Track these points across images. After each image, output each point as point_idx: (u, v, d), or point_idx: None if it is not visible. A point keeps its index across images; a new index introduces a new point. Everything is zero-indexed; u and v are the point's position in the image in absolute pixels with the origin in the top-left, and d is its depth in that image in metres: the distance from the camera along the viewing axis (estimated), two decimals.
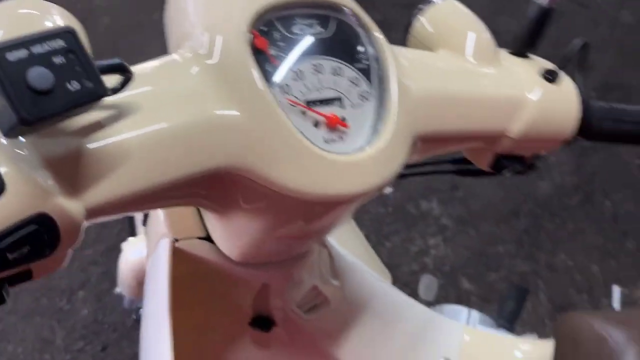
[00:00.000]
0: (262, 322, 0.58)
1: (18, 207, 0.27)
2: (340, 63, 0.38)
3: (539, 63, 0.48)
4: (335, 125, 0.37)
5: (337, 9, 0.40)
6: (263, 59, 0.36)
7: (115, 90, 0.31)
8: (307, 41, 0.38)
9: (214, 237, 0.49)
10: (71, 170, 0.30)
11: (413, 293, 0.73)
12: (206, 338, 0.58)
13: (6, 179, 0.27)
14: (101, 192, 0.31)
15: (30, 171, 0.28)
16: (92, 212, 0.31)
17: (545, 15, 0.46)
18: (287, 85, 0.36)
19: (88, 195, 0.30)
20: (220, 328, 0.59)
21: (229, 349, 0.60)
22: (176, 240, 0.49)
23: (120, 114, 0.32)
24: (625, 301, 1.51)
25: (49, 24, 0.31)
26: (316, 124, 0.37)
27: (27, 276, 0.30)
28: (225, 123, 0.34)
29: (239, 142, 0.34)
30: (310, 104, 0.37)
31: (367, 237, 1.16)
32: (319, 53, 0.38)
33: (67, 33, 0.28)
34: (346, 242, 0.73)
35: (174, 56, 0.36)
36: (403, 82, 0.40)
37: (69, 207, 0.29)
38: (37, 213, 0.28)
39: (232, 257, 0.48)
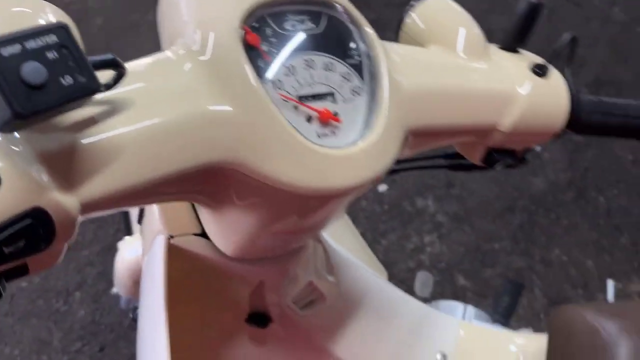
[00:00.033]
0: (259, 319, 0.58)
1: (13, 202, 0.28)
2: (332, 58, 0.39)
3: (529, 58, 0.49)
4: (327, 120, 0.37)
5: (329, 5, 0.40)
6: (255, 55, 0.36)
7: (108, 86, 0.31)
8: (298, 37, 0.38)
9: (209, 233, 0.49)
10: (65, 165, 0.30)
11: (409, 290, 0.74)
12: (203, 335, 0.59)
13: (1, 174, 0.28)
14: (95, 186, 0.31)
15: (25, 166, 0.29)
16: (86, 207, 0.31)
17: (534, 11, 0.47)
18: (279, 80, 0.37)
19: (82, 190, 0.31)
20: (216, 325, 0.59)
21: (225, 346, 0.60)
22: (171, 237, 0.50)
23: (113, 109, 0.32)
24: (620, 295, 1.53)
25: (42, 22, 0.31)
26: (309, 119, 0.37)
27: (23, 271, 0.30)
28: (218, 118, 0.35)
29: (232, 136, 0.35)
30: (303, 99, 0.37)
31: (363, 234, 1.16)
32: (310, 49, 0.38)
33: (60, 29, 0.28)
34: (342, 239, 0.74)
35: (167, 53, 0.37)
36: (394, 77, 0.40)
37: (63, 201, 0.30)
38: (32, 207, 0.28)
39: (227, 252, 0.48)
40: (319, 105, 0.37)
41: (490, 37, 0.50)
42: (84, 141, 0.31)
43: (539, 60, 0.48)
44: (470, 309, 0.83)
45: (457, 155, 0.55)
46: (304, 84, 0.37)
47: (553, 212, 1.74)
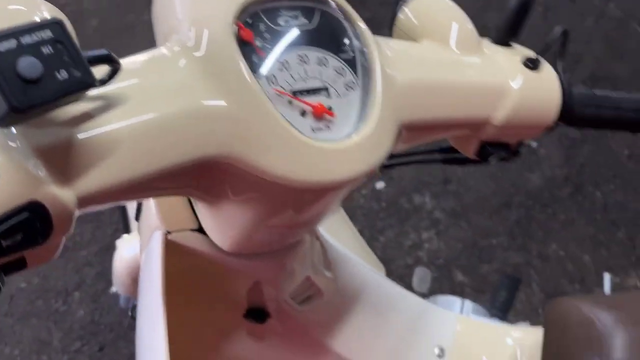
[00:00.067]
0: (257, 314, 0.59)
1: (10, 195, 0.28)
2: (326, 53, 0.39)
3: (521, 51, 0.49)
4: (321, 115, 0.38)
5: (322, 0, 0.40)
6: (249, 51, 0.37)
7: (103, 81, 0.32)
8: (292, 32, 0.39)
9: (205, 228, 0.49)
10: (62, 160, 0.31)
11: (407, 286, 0.74)
12: (201, 330, 0.59)
13: None
14: (92, 180, 0.31)
15: (21, 160, 0.29)
16: (83, 201, 0.32)
17: (526, 5, 0.47)
18: (273, 75, 0.37)
19: (79, 184, 0.31)
20: (215, 320, 0.60)
21: (224, 341, 0.61)
22: (168, 232, 0.50)
23: (109, 105, 0.32)
24: (617, 289, 1.53)
25: (37, 19, 0.32)
26: (303, 113, 0.37)
27: (21, 264, 0.31)
28: (213, 113, 0.35)
29: (227, 131, 0.35)
30: (297, 93, 0.37)
31: (361, 232, 1.17)
32: (304, 44, 0.39)
33: (55, 24, 0.29)
34: (340, 236, 0.74)
35: (162, 49, 0.37)
36: (387, 72, 0.40)
37: (60, 195, 0.30)
38: (29, 201, 0.28)
39: (224, 248, 0.49)
40: (313, 99, 0.38)
41: (486, 34, 0.50)
42: (80, 136, 0.31)
43: (531, 54, 0.48)
44: (468, 304, 0.84)
45: (451, 150, 0.55)
46: (297, 79, 0.38)
47: (550, 207, 1.75)
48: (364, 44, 0.40)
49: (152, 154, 0.33)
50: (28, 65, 0.27)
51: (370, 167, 0.38)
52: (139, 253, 0.68)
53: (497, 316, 0.89)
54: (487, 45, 0.49)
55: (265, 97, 0.36)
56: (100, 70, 0.31)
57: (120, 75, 0.33)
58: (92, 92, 0.32)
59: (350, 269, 0.66)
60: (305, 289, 0.60)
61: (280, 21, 0.39)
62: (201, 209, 0.48)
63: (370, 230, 1.64)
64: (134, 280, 0.73)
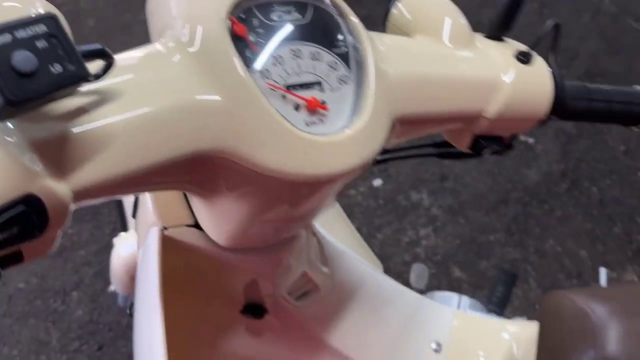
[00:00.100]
0: (254, 310, 0.59)
1: (6, 189, 0.28)
2: (319, 48, 0.39)
3: (513, 45, 0.49)
4: (315, 109, 0.38)
5: None
6: (243, 46, 0.37)
7: (98, 76, 0.32)
8: (285, 27, 0.39)
9: (201, 223, 0.50)
10: (57, 153, 0.31)
11: (405, 283, 0.74)
12: (199, 327, 0.59)
13: None
14: (87, 174, 0.32)
15: (17, 154, 0.29)
16: (79, 195, 0.32)
17: (518, 0, 0.48)
18: (267, 70, 0.37)
19: (74, 178, 0.31)
20: (212, 316, 0.60)
21: (221, 337, 0.61)
22: (165, 228, 0.50)
23: (104, 99, 0.33)
24: (613, 283, 1.54)
25: (32, 15, 0.32)
26: (297, 108, 0.38)
27: (18, 258, 0.31)
28: (207, 107, 0.35)
29: (221, 125, 0.35)
30: (290, 88, 0.38)
31: (359, 229, 1.17)
32: (297, 39, 0.39)
33: (49, 19, 0.29)
34: (337, 233, 0.74)
35: (156, 45, 0.37)
36: (380, 66, 0.41)
37: (56, 188, 0.30)
38: (25, 194, 0.29)
39: (220, 242, 0.49)
40: (307, 94, 0.38)
41: (481, 30, 0.50)
42: (75, 130, 0.31)
43: (523, 47, 0.49)
44: (465, 300, 0.84)
45: (445, 144, 0.55)
46: (291, 74, 0.38)
47: (547, 203, 1.76)
48: (357, 39, 0.41)
49: (147, 148, 0.33)
50: (23, 59, 0.27)
51: (363, 160, 0.39)
52: (136, 251, 0.68)
53: (494, 311, 0.89)
54: (480, 40, 0.49)
55: (259, 92, 0.36)
56: (95, 66, 0.31)
57: (115, 71, 0.33)
58: (87, 86, 0.32)
59: (347, 265, 0.66)
60: (302, 284, 0.60)
61: (274, 16, 0.39)
62: (197, 204, 0.48)
63: (367, 227, 1.65)
64: (132, 278, 0.73)
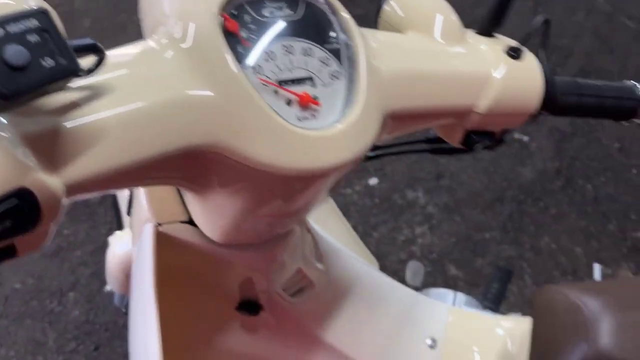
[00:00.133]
0: (249, 306, 0.59)
1: None
2: (310, 44, 0.40)
3: (504, 41, 0.50)
4: (307, 104, 0.38)
5: None
6: (235, 42, 0.37)
7: (90, 71, 0.32)
8: (277, 23, 0.39)
9: (195, 219, 0.50)
10: (49, 148, 0.31)
11: (401, 281, 0.74)
12: (194, 323, 0.59)
13: None
14: (79, 168, 0.32)
15: (10, 147, 0.29)
16: (71, 189, 0.32)
17: None
18: (259, 65, 0.38)
19: (67, 172, 0.32)
20: (207, 313, 0.60)
21: (216, 334, 0.61)
22: (159, 224, 0.50)
23: (96, 94, 0.33)
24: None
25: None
26: (289, 103, 0.38)
27: (11, 252, 0.31)
28: (199, 102, 0.35)
29: (214, 120, 0.36)
30: (282, 83, 0.38)
31: (355, 228, 1.17)
32: (289, 35, 0.39)
33: (40, 13, 0.29)
34: (333, 231, 0.74)
35: (149, 41, 0.38)
36: (372, 62, 0.41)
37: (49, 182, 0.30)
38: (17, 188, 0.29)
39: (214, 238, 0.49)
40: (299, 89, 0.38)
41: (475, 28, 0.51)
42: (68, 124, 0.32)
43: (513, 43, 0.49)
44: (461, 296, 0.84)
45: (437, 140, 0.56)
46: (283, 69, 0.38)
47: (542, 201, 1.76)
48: (349, 35, 0.41)
49: (139, 143, 0.34)
50: (15, 53, 0.28)
51: (355, 154, 0.39)
52: (131, 249, 0.68)
53: (489, 308, 0.89)
54: (471, 36, 0.49)
55: (251, 87, 0.36)
56: (87, 62, 0.32)
57: (108, 66, 0.33)
58: (80, 82, 0.33)
59: (342, 262, 0.67)
60: (296, 280, 0.60)
61: (265, 12, 0.39)
62: (190, 199, 0.48)
63: (363, 226, 1.65)
64: (128, 276, 0.73)
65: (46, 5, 0.31)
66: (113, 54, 0.35)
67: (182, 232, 0.50)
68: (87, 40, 0.31)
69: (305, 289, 0.61)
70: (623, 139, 1.95)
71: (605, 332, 0.51)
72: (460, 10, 0.50)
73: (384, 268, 0.90)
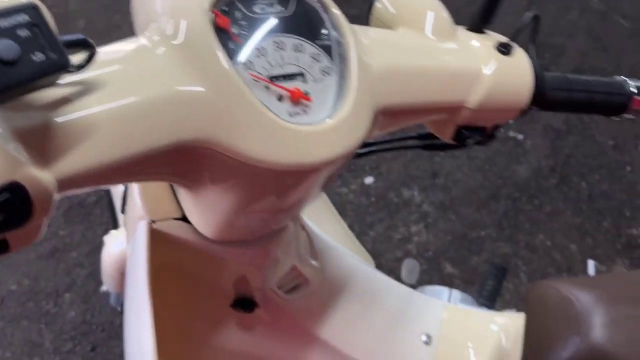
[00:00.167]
0: (244, 304, 0.59)
1: None
2: (301, 40, 0.40)
3: (494, 37, 0.50)
4: (298, 99, 0.38)
5: None
6: (226, 38, 0.38)
7: (81, 66, 0.32)
8: (268, 20, 0.40)
9: (188, 215, 0.50)
10: (41, 142, 0.31)
11: (397, 279, 0.75)
12: (189, 321, 0.59)
13: None
14: (70, 163, 0.32)
15: (1, 142, 0.30)
16: (63, 183, 0.32)
17: None
18: (250, 61, 0.38)
19: (58, 167, 0.32)
20: (202, 310, 0.60)
21: (212, 331, 0.61)
22: (153, 221, 0.51)
23: (88, 89, 0.33)
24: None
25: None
26: (280, 98, 0.38)
27: (4, 247, 0.31)
28: (191, 98, 0.36)
29: (205, 116, 0.36)
30: (274, 79, 0.38)
31: (351, 227, 1.18)
32: (280, 31, 0.40)
33: (31, 8, 0.29)
34: (329, 230, 0.75)
35: (141, 38, 0.38)
36: (363, 58, 0.41)
37: (40, 177, 0.31)
38: (9, 182, 0.29)
39: (207, 235, 0.49)
40: (290, 85, 0.39)
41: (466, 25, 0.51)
42: (59, 119, 0.32)
43: (503, 39, 0.50)
44: (456, 293, 0.84)
45: (429, 136, 0.56)
46: (274, 65, 0.39)
47: (536, 198, 1.77)
48: (340, 32, 0.41)
49: (131, 138, 0.34)
50: (5, 47, 0.28)
51: (346, 149, 0.39)
52: (126, 247, 0.68)
53: (484, 305, 0.90)
54: (462, 32, 0.50)
55: (242, 82, 0.36)
56: (79, 58, 0.32)
57: (99, 63, 0.33)
58: (72, 77, 0.33)
59: (337, 259, 0.67)
60: (291, 278, 0.60)
61: (256, 9, 0.39)
62: (183, 195, 0.48)
63: (359, 224, 1.65)
64: (123, 275, 0.73)
65: (36, 0, 0.31)
66: (104, 51, 0.35)
67: (176, 229, 0.50)
68: (78, 36, 0.32)
69: (300, 286, 0.62)
70: (617, 136, 1.96)
71: (597, 326, 0.51)
72: (454, 9, 0.50)
73: (380, 266, 0.91)
